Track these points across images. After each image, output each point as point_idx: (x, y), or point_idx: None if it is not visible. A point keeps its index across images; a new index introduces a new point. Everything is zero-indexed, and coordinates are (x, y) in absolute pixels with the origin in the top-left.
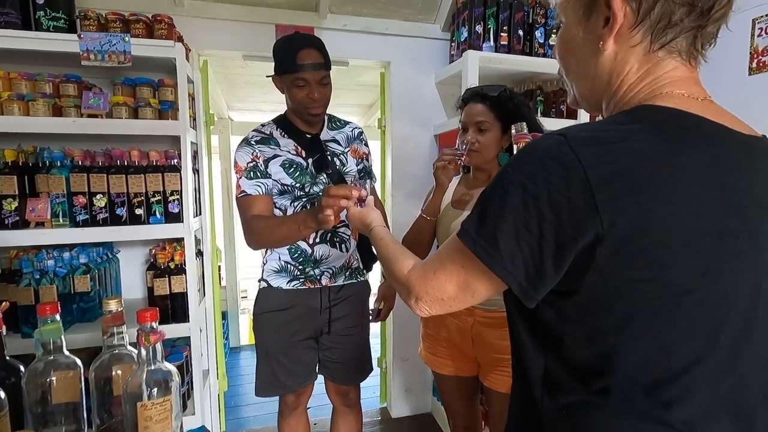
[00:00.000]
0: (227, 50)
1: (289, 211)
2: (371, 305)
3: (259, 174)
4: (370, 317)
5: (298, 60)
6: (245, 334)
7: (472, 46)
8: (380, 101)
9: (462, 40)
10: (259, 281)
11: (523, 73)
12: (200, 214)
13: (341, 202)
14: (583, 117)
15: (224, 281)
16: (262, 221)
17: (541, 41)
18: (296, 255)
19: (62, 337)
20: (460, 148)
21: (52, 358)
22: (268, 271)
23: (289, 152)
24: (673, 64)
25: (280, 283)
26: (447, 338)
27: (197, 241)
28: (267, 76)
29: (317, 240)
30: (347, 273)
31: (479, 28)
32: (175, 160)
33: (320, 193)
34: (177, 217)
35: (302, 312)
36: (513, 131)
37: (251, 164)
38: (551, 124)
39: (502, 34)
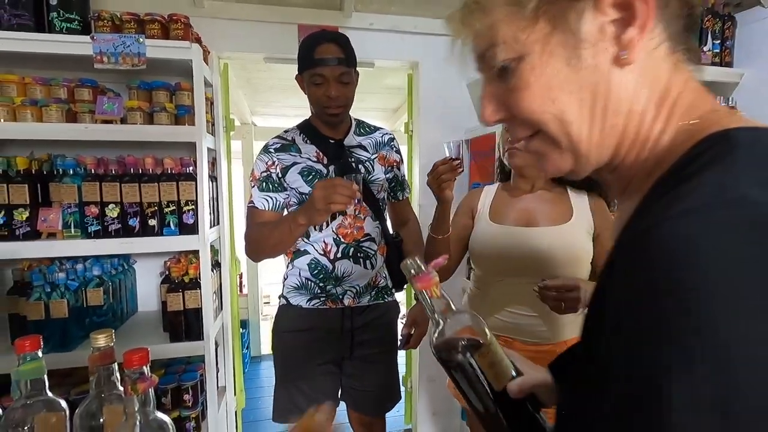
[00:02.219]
0: (248, 52)
1: None
2: (400, 328)
3: (271, 186)
4: (399, 343)
5: (316, 54)
6: (267, 343)
7: None
8: (407, 104)
9: None
10: (280, 297)
11: None
12: (218, 223)
13: (342, 201)
14: None
15: (245, 288)
16: (258, 228)
17: None
18: (316, 271)
19: (45, 376)
20: (454, 154)
21: (30, 402)
22: (288, 287)
23: (309, 159)
24: (688, 71)
25: (300, 301)
26: None
27: (215, 252)
28: (295, 79)
29: (339, 255)
30: (373, 292)
31: None
32: (191, 168)
33: None
34: (192, 229)
35: (322, 334)
36: (405, 269)
37: (265, 174)
38: None
39: None
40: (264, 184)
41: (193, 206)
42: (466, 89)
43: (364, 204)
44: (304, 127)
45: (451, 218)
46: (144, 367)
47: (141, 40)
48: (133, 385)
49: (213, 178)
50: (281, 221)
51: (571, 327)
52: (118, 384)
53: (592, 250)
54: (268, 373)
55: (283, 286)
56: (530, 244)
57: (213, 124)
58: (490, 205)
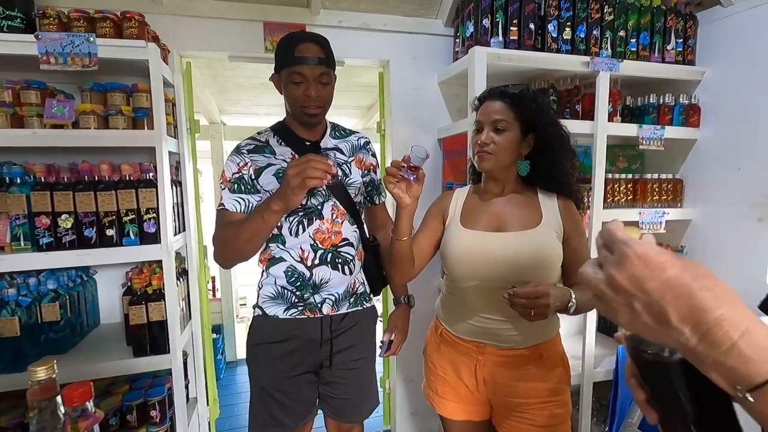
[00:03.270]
0: (212, 51)
1: (284, 227)
2: (378, 334)
3: (243, 188)
4: (379, 350)
5: (296, 53)
6: (243, 347)
7: (479, 42)
8: (379, 103)
9: (467, 35)
10: (254, 307)
11: (534, 70)
12: (184, 230)
13: (318, 175)
14: (601, 117)
15: (218, 293)
16: (228, 227)
17: (554, 35)
18: (293, 279)
19: None
20: (413, 158)
21: None
22: (263, 296)
23: (284, 160)
24: None
25: (277, 311)
26: (454, 377)
27: (181, 260)
28: (270, 79)
29: (316, 261)
30: (351, 299)
31: (486, 22)
32: (151, 174)
33: (318, 206)
34: (154, 238)
35: (301, 344)
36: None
37: (237, 175)
38: (567, 126)
39: (511, 28)
40: (236, 185)
41: (155, 214)
42: (438, 88)
43: (341, 207)
44: (279, 129)
45: (423, 219)
46: (87, 403)
47: (92, 39)
48: (74, 425)
49: (177, 182)
50: (253, 212)
51: (542, 331)
52: (62, 414)
53: (562, 253)
54: (244, 378)
55: (258, 295)
56: (500, 250)
57: (175, 126)
58: (461, 209)
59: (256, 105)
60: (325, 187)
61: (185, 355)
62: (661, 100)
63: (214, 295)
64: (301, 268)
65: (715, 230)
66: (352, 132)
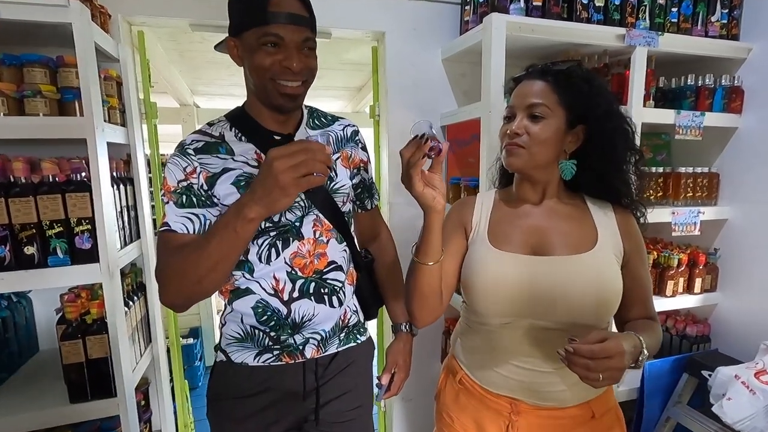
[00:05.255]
0: (167, 17)
1: (251, 251)
2: (375, 373)
3: (194, 200)
4: (377, 393)
5: (270, 7)
6: None
7: (496, 8)
8: (372, 83)
9: (480, 1)
10: (216, 350)
11: (558, 45)
12: (138, 237)
13: (322, 170)
14: (636, 102)
15: None
16: (177, 255)
17: (585, 1)
18: (265, 317)
19: None
20: (421, 131)
21: None
22: (227, 337)
23: (246, 163)
24: None
25: (245, 357)
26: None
27: (135, 274)
28: (216, 46)
29: (295, 294)
30: (342, 335)
31: None
32: (83, 174)
33: (296, 223)
34: (90, 255)
35: (277, 398)
36: None
37: (184, 184)
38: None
39: None
40: (183, 197)
41: (89, 225)
42: (441, 65)
43: (325, 221)
44: (237, 118)
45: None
46: None
47: None
48: None
49: (127, 180)
50: (216, 226)
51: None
52: None
53: (622, 284)
54: None
55: (221, 335)
56: (545, 280)
57: (123, 111)
58: (488, 222)
59: (231, 85)
60: (302, 196)
61: (146, 383)
62: (700, 82)
63: None
64: (275, 303)
65: (755, 232)
66: (334, 118)
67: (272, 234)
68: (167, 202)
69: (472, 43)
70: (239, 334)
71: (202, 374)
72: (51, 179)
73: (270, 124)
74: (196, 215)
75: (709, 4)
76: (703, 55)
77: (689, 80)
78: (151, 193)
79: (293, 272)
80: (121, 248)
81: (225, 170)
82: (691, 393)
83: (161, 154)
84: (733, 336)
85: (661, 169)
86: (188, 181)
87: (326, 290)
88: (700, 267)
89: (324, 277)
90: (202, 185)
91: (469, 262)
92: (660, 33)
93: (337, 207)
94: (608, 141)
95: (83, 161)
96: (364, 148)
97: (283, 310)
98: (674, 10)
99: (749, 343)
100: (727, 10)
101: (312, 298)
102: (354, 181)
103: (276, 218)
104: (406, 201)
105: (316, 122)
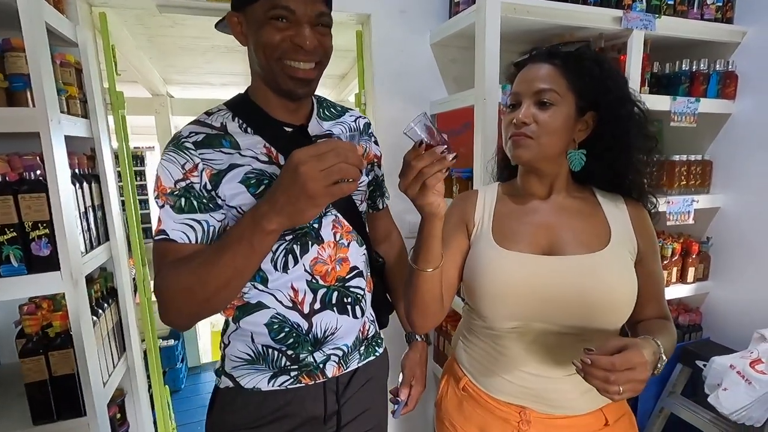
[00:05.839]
0: None
1: (265, 259)
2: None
3: (195, 204)
4: (393, 409)
5: None
6: (208, 351)
7: None
8: (357, 70)
9: None
10: (218, 374)
11: (552, 28)
12: (107, 239)
13: (356, 175)
14: (632, 85)
15: None
16: (182, 269)
17: None
18: (283, 334)
19: None
20: (425, 135)
21: None
22: (233, 359)
23: (256, 158)
24: None
25: (258, 381)
26: None
27: (105, 279)
28: (216, 25)
29: (317, 306)
30: (362, 348)
31: None
32: (38, 172)
33: (315, 225)
34: (49, 262)
35: (296, 424)
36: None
37: (183, 185)
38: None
39: None
40: (183, 200)
41: (47, 229)
42: (430, 50)
43: (345, 223)
44: (240, 107)
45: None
46: None
47: None
48: None
49: (92, 177)
50: (229, 239)
51: None
52: None
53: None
54: (211, 386)
55: (224, 357)
56: (556, 281)
57: (85, 101)
58: (491, 219)
59: (209, 74)
60: None
61: (121, 394)
62: (694, 67)
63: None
64: (294, 317)
65: (749, 221)
66: (344, 109)
67: (288, 238)
68: (162, 206)
69: (463, 26)
70: (249, 355)
71: (185, 376)
72: (1, 179)
73: (279, 113)
74: (198, 222)
75: None
76: (699, 39)
77: (684, 65)
78: (120, 188)
79: (314, 281)
80: (87, 252)
81: (232, 167)
82: (685, 383)
83: (136, 147)
84: (724, 325)
85: (655, 157)
86: (188, 181)
87: (349, 299)
88: (693, 256)
89: (347, 285)
90: (205, 185)
91: (473, 263)
92: (657, 15)
93: (356, 207)
94: (622, 128)
95: (38, 157)
96: (376, 142)
97: (304, 324)
98: None
99: (741, 331)
100: None
101: (335, 309)
102: (369, 177)
103: None
104: (394, 194)
105: (327, 113)
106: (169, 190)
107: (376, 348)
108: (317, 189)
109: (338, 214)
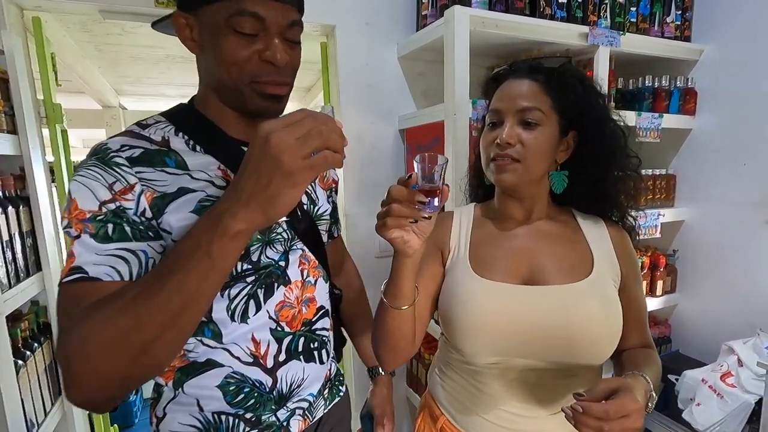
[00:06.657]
0: (71, 0)
1: (218, 308)
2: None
3: (129, 231)
4: None
5: None
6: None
7: (457, 1)
8: (322, 83)
9: None
10: None
11: (518, 43)
12: (39, 269)
13: (339, 147)
14: None
15: None
16: (108, 308)
17: None
18: (240, 397)
19: None
20: (420, 173)
21: None
22: None
23: (211, 182)
24: None
25: None
26: None
27: (37, 313)
28: (154, 24)
29: (281, 357)
30: (326, 392)
31: None
32: None
33: (281, 262)
34: None
35: None
36: None
37: (111, 207)
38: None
39: None
40: (109, 228)
41: None
42: (397, 63)
43: (311, 257)
44: (185, 120)
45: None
46: None
47: None
48: None
49: (20, 200)
50: (176, 253)
51: None
52: None
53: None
54: None
55: None
56: (539, 314)
57: (12, 115)
58: (468, 244)
59: (163, 84)
60: (284, 226)
61: None
62: (656, 84)
63: None
64: (255, 374)
65: (713, 233)
66: None
67: (250, 280)
68: (77, 236)
69: (431, 39)
70: (195, 427)
71: (139, 409)
72: None
73: (235, 130)
74: (133, 252)
75: (665, 4)
76: (659, 56)
77: (647, 81)
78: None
79: (279, 328)
80: (11, 287)
81: (182, 191)
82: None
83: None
84: (693, 337)
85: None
86: (117, 204)
87: (315, 344)
88: (661, 269)
89: (313, 328)
90: (143, 211)
91: (448, 292)
92: (621, 32)
93: (321, 237)
94: (605, 147)
95: None
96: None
97: (267, 381)
98: (633, 9)
99: (709, 343)
100: (680, 12)
101: (302, 357)
102: (329, 206)
103: (255, 257)
104: (363, 213)
105: None
106: (89, 215)
107: (339, 388)
108: (294, 162)
109: (305, 248)
